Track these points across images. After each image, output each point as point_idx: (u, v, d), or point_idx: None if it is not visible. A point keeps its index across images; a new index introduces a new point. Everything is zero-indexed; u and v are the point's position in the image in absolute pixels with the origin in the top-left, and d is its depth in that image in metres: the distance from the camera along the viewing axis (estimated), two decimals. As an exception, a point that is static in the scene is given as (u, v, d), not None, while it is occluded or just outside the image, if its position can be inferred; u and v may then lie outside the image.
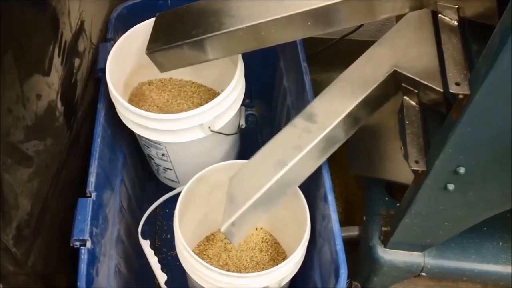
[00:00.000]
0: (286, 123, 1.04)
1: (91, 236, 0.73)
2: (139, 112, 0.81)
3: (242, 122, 0.97)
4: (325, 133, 0.73)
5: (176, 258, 0.98)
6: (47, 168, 0.77)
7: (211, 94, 1.02)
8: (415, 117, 0.75)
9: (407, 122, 0.74)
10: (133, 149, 1.01)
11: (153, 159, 0.97)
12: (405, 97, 0.76)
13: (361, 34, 1.23)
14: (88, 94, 0.92)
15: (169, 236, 1.07)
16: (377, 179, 0.97)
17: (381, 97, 0.78)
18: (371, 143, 0.99)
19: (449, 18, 0.66)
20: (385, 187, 0.97)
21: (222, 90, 1.02)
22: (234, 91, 0.86)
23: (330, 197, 0.76)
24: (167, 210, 1.10)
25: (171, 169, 0.98)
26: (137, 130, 0.86)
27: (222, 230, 0.72)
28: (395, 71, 0.75)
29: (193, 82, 1.03)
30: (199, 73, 1.01)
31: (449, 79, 0.58)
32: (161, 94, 0.99)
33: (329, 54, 1.25)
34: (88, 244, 0.73)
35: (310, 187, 0.81)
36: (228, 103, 0.85)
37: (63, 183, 0.82)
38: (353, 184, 1.21)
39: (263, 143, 1.21)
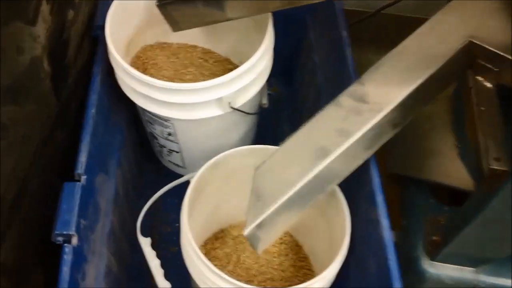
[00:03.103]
0: (314, 105, 0.90)
1: (78, 230, 0.58)
2: (144, 78, 0.66)
3: (265, 101, 0.81)
4: (380, 116, 0.58)
5: (177, 256, 0.83)
6: (26, 142, 0.62)
7: (228, 67, 0.86)
8: (491, 102, 0.60)
9: (483, 108, 0.59)
10: (133, 125, 0.85)
11: (156, 138, 0.82)
12: (477, 78, 0.61)
13: (400, 8, 1.07)
14: (82, 55, 0.76)
15: (169, 229, 0.92)
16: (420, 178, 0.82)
17: (449, 76, 0.62)
18: (415, 137, 0.84)
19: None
20: (430, 187, 0.82)
21: (240, 63, 0.87)
22: (262, 60, 0.70)
23: (379, 199, 0.61)
24: (168, 199, 0.93)
25: (177, 152, 0.82)
26: (139, 102, 0.71)
27: (245, 233, 0.57)
28: (471, 43, 0.59)
29: (208, 51, 0.87)
30: (216, 39, 0.85)
31: None
32: (170, 61, 0.83)
33: (360, 31, 1.09)
34: (74, 240, 0.57)
35: (351, 184, 0.66)
36: (254, 75, 0.70)
37: (46, 162, 0.67)
38: (385, 180, 1.06)
39: (280, 128, 1.07)
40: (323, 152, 0.57)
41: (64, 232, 0.57)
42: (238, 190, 0.77)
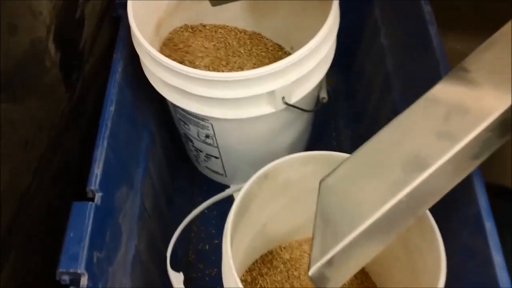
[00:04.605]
0: (380, 100, 0.74)
1: (88, 267, 0.44)
2: (175, 66, 0.51)
3: (324, 95, 0.66)
4: (495, 115, 0.42)
5: (216, 279, 0.72)
6: (27, 148, 0.48)
7: (278, 54, 0.71)
8: None
9: None
10: (164, 123, 0.71)
11: (191, 141, 0.67)
12: None
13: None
14: (101, 39, 0.62)
15: (207, 247, 0.78)
16: None
17: None
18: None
19: None
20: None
21: (292, 48, 0.73)
22: (324, 43, 0.55)
23: (489, 225, 0.45)
24: (206, 211, 0.80)
25: (217, 157, 0.68)
26: (170, 96, 0.57)
27: (310, 272, 0.42)
28: None
29: (256, 34, 0.72)
30: (265, 21, 0.71)
31: None
32: (209, 47, 0.69)
33: (440, 12, 0.92)
34: (83, 280, 0.44)
35: (443, 204, 0.50)
36: (314, 62, 0.55)
37: (54, 172, 0.54)
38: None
39: (337, 129, 0.92)
40: (420, 163, 0.42)
41: (71, 270, 0.43)
42: (291, 204, 0.62)
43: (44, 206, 0.52)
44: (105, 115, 0.52)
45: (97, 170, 0.49)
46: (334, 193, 0.45)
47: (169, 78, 0.53)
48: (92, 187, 0.48)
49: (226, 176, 0.72)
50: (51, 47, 0.50)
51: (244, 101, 0.54)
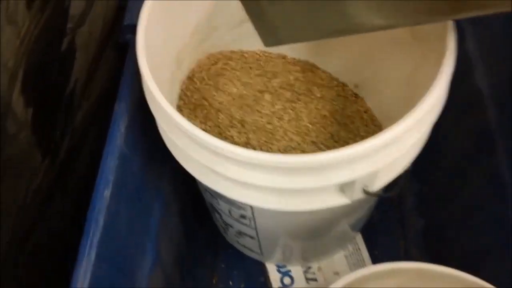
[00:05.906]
0: (474, 158, 0.56)
1: None
2: (208, 141, 0.33)
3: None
4: None
5: None
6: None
7: (342, 95, 0.53)
8: None
9: None
10: (182, 186, 0.53)
11: (219, 214, 0.49)
12: None
13: None
14: (102, 74, 0.44)
15: None
16: None
17: None
18: None
19: None
20: None
21: (356, 87, 0.55)
22: (431, 114, 0.37)
23: None
24: (230, 283, 0.63)
25: (252, 238, 0.50)
26: (198, 175, 0.38)
27: None
28: None
29: (307, 64, 0.53)
30: (321, 48, 0.52)
31: None
32: (249, 87, 0.50)
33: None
34: None
35: None
36: (413, 140, 0.36)
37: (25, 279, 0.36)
38: None
39: (403, 212, 0.71)
40: None
41: None
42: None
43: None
44: (95, 208, 0.34)
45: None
46: None
47: (197, 152, 0.35)
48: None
49: (262, 254, 0.54)
50: (18, 102, 0.33)
51: (305, 191, 0.36)
